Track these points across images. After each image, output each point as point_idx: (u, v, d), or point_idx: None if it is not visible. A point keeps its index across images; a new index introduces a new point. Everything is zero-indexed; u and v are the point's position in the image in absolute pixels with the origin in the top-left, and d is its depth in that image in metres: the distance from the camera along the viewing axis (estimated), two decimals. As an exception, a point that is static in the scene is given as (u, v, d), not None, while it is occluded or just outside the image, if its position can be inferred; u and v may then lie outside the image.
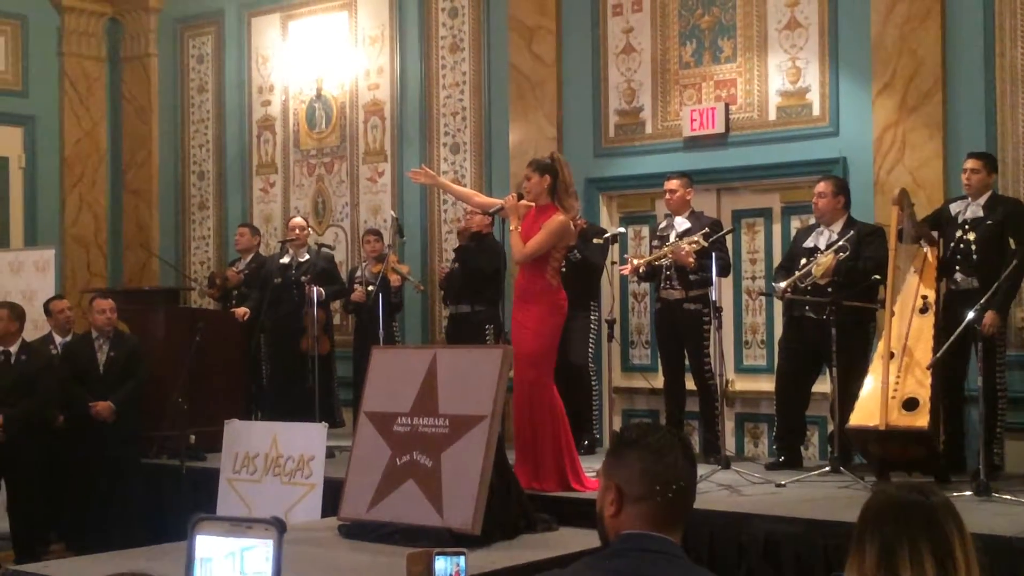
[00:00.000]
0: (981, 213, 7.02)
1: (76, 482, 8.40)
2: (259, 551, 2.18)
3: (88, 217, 12.27)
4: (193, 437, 8.41)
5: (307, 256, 9.51)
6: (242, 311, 9.54)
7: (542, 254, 6.78)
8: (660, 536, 2.42)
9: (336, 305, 10.24)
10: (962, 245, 7.04)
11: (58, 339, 8.87)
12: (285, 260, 9.58)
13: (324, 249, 9.57)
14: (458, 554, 3.09)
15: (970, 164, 7.07)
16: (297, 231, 9.56)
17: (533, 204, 6.91)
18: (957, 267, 7.05)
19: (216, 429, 7.93)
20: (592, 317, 8.38)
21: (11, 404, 8.04)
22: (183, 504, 7.84)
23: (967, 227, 7.04)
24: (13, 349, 8.26)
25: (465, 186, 9.57)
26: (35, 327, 9.52)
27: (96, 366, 8.50)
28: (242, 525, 2.20)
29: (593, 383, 8.46)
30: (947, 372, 6.85)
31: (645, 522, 2.42)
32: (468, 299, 8.77)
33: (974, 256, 6.99)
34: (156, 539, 6.27)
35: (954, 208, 7.16)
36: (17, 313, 8.39)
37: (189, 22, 12.07)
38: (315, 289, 9.04)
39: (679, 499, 2.44)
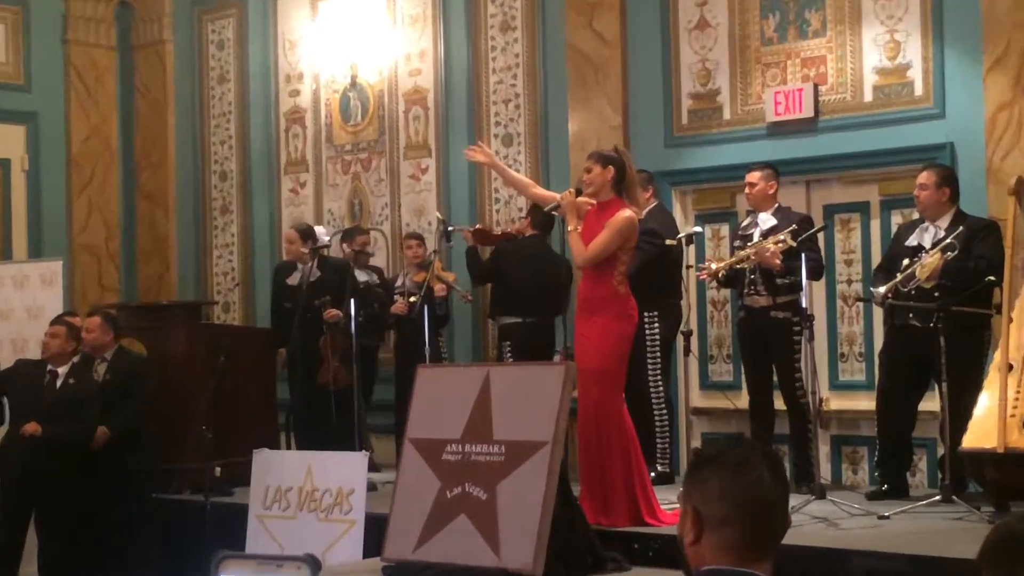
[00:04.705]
0: None
1: (77, 519, 8.54)
2: (290, 593, 2.17)
3: (98, 224, 12.43)
4: (219, 469, 8.46)
5: (318, 273, 9.37)
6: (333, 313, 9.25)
7: (607, 257, 6.81)
8: (746, 571, 2.38)
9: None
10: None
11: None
12: (293, 280, 9.53)
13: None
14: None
15: None
16: (285, 244, 9.65)
17: (594, 201, 6.95)
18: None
19: (244, 460, 7.99)
20: (653, 329, 8.28)
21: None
22: (208, 544, 7.88)
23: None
24: (62, 371, 8.52)
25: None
26: (39, 347, 9.66)
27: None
28: (271, 564, 2.19)
29: (658, 405, 8.40)
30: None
31: (729, 551, 2.39)
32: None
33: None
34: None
35: None
36: (74, 333, 8.64)
37: (208, 5, 12.21)
38: (336, 313, 9.06)
39: (766, 522, 2.41)
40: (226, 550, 2.25)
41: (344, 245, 9.98)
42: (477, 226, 9.58)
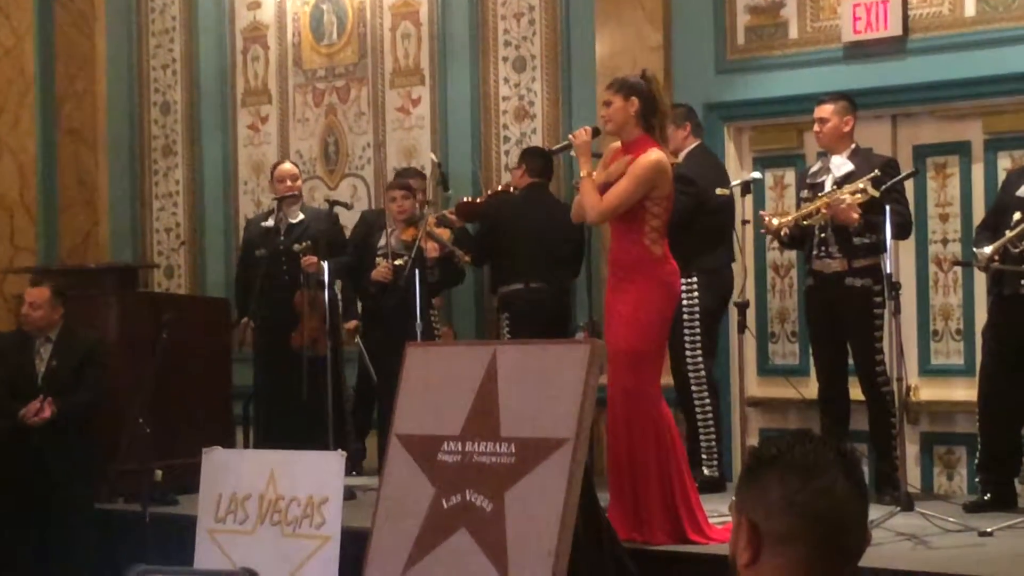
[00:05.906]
0: None
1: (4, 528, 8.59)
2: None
3: (10, 168, 12.39)
4: (160, 473, 8.48)
5: (300, 216, 9.64)
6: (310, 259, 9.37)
7: (631, 208, 6.77)
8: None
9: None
10: None
11: None
12: (269, 223, 9.72)
13: (337, 208, 9.60)
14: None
15: None
16: (288, 182, 9.71)
17: (618, 144, 6.97)
18: None
19: (191, 461, 7.99)
20: (692, 299, 8.30)
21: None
22: (147, 564, 7.92)
23: None
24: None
25: (535, 118, 9.60)
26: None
27: (32, 376, 8.65)
28: (199, 580, 2.19)
29: (699, 392, 8.42)
30: None
31: (793, 574, 2.39)
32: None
33: None
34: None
35: None
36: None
37: None
38: (317, 262, 9.12)
39: (840, 539, 2.41)
40: (144, 565, 2.25)
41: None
42: (464, 199, 9.61)
